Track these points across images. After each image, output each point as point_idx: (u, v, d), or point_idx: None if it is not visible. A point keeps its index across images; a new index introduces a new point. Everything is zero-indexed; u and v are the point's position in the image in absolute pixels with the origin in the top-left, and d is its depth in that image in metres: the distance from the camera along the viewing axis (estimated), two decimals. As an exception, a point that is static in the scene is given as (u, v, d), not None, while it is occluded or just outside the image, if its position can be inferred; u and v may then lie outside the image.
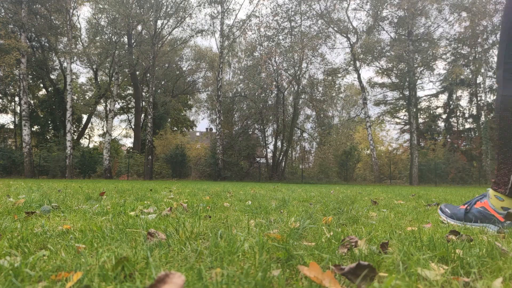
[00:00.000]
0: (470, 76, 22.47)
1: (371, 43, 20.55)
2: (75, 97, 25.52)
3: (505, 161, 1.45)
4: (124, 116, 32.30)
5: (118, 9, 18.28)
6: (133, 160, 21.53)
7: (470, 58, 21.71)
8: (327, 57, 25.35)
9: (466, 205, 1.62)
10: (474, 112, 23.55)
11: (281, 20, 20.61)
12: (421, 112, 25.51)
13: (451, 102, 25.21)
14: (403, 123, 27.41)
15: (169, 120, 29.64)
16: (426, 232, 1.33)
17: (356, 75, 21.80)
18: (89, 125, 28.55)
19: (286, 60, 21.10)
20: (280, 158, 23.20)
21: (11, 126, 24.97)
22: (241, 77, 23.54)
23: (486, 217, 1.49)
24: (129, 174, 20.88)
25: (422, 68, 21.83)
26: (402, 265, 0.79)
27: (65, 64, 20.54)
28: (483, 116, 22.51)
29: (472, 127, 24.51)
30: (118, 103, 28.78)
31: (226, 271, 0.72)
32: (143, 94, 25.27)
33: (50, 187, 4.71)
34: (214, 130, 25.92)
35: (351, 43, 21.45)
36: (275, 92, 22.25)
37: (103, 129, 30.22)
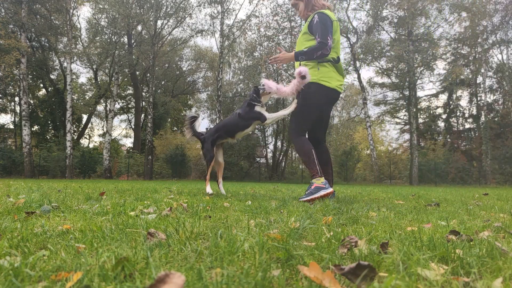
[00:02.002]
0: (470, 76, 22.47)
1: (371, 43, 20.55)
2: (75, 97, 25.51)
3: (309, 165, 3.05)
4: (124, 116, 32.31)
5: (118, 9, 18.28)
6: (133, 160, 21.53)
7: (470, 58, 21.71)
8: (327, 57, 25.29)
9: (307, 191, 3.00)
10: (474, 112, 23.56)
11: (281, 20, 20.62)
12: (421, 112, 25.52)
13: (451, 102, 25.21)
14: (403, 123, 27.42)
15: (169, 120, 29.64)
16: (426, 232, 1.33)
17: (356, 75, 21.81)
18: (89, 125, 28.57)
19: (286, 60, 21.06)
20: (280, 158, 23.20)
21: (11, 126, 24.97)
22: (241, 77, 23.55)
23: (318, 189, 2.91)
24: (129, 174, 20.87)
25: (422, 68, 21.82)
26: (402, 265, 0.79)
27: (65, 64, 20.54)
28: (483, 116, 22.51)
29: (472, 127, 24.51)
30: (118, 103, 28.77)
31: (226, 271, 0.72)
32: (143, 94, 25.27)
33: (50, 187, 4.71)
34: (214, 130, 25.84)
35: (351, 43, 21.45)
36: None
37: (103, 129, 30.22)
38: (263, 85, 3.31)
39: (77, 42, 22.54)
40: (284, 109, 3.36)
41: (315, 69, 3.13)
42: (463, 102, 32.06)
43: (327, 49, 3.01)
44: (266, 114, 3.37)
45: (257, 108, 3.38)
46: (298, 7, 3.33)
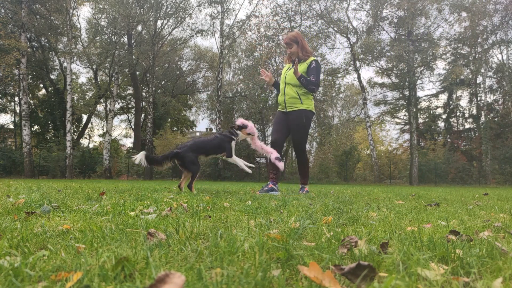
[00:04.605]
0: (470, 76, 22.46)
1: (371, 43, 20.55)
2: (75, 97, 25.50)
3: (307, 175, 4.57)
4: (124, 116, 32.31)
5: (118, 9, 18.29)
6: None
7: (470, 58, 21.70)
8: (327, 57, 25.38)
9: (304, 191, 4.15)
10: (474, 112, 23.55)
11: (281, 20, 20.61)
12: (421, 112, 25.51)
13: (451, 102, 25.20)
14: (403, 123, 27.41)
15: (169, 120, 29.62)
16: (426, 232, 1.33)
17: (356, 75, 21.81)
18: (89, 125, 28.56)
19: (286, 60, 21.11)
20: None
21: (11, 126, 24.96)
22: (241, 77, 23.55)
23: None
24: (129, 174, 20.87)
25: (422, 68, 21.82)
26: (402, 265, 0.79)
27: (65, 64, 20.55)
28: (483, 116, 22.51)
29: (472, 127, 24.50)
30: (118, 103, 28.77)
31: (226, 271, 0.72)
32: (143, 94, 25.27)
33: (50, 187, 4.71)
34: (214, 130, 25.90)
35: (351, 43, 21.44)
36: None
37: (103, 129, 30.21)
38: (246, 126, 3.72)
39: (77, 42, 22.54)
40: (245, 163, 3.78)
41: (310, 100, 4.25)
42: (463, 102, 32.04)
43: (316, 89, 4.16)
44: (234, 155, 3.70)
45: (232, 143, 3.71)
46: (292, 47, 4.11)
